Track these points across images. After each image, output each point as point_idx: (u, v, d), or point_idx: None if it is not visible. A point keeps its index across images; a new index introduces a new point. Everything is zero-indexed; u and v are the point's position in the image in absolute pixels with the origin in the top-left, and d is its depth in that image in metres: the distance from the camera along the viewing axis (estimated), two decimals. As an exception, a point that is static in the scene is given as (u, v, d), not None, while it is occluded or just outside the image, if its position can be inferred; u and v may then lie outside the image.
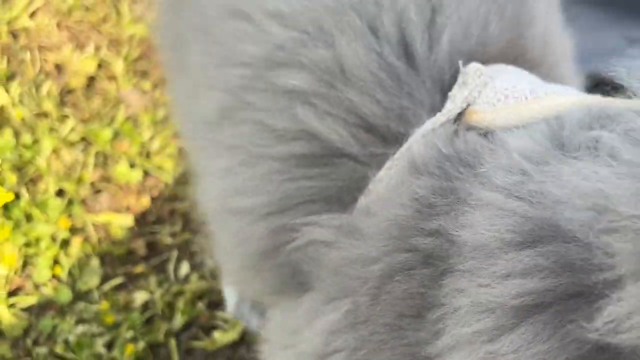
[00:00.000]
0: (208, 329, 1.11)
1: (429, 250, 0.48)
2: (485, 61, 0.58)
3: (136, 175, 1.24)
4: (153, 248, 1.18)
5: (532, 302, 0.41)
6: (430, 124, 0.54)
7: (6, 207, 1.16)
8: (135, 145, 1.27)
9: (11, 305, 1.08)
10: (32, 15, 1.47)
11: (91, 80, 1.38)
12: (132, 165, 1.26)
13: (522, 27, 0.62)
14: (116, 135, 1.29)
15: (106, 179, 1.25)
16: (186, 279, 1.15)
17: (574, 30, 1.24)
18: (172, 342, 1.08)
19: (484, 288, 0.43)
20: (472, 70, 0.55)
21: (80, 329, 1.07)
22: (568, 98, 0.52)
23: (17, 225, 1.15)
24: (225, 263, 0.77)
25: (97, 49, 1.41)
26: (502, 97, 0.54)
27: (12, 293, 1.10)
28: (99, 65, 1.39)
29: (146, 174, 1.25)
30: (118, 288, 1.12)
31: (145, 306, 1.10)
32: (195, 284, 1.14)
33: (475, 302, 0.43)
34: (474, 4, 0.59)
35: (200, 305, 1.12)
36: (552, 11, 0.69)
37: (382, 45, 0.58)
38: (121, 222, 1.19)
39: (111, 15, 1.47)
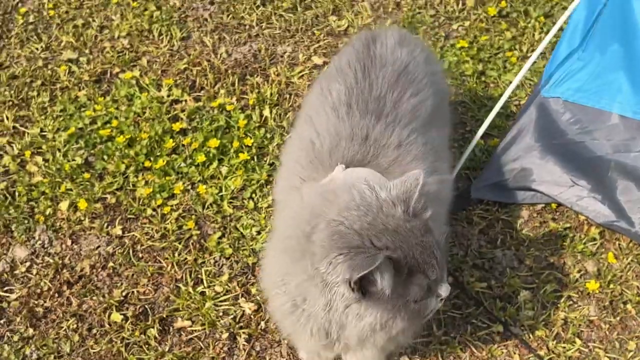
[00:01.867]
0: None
1: None
2: (352, 165, 1.66)
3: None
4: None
5: None
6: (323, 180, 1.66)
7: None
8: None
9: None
10: (300, 77, 2.83)
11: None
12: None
13: (377, 158, 1.68)
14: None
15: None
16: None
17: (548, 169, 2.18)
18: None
19: None
20: (339, 167, 1.65)
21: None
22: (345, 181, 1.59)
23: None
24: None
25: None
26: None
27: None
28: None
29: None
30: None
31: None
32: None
33: None
34: (354, 148, 1.67)
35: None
36: (405, 149, 1.71)
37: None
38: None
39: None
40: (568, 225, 2.28)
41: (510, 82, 2.74)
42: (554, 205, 2.33)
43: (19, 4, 3.19)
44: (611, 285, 2.14)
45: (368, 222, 1.39)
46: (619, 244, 2.23)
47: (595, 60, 2.14)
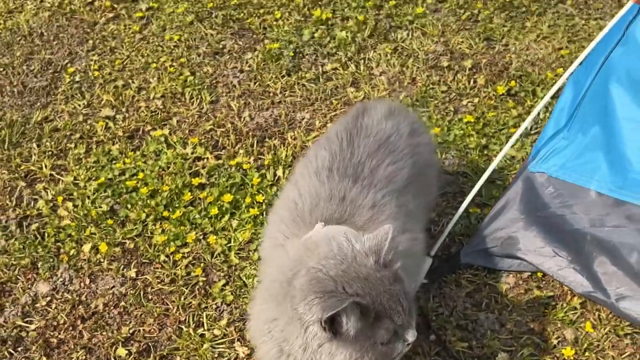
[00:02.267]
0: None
1: None
2: (331, 223, 1.84)
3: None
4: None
5: None
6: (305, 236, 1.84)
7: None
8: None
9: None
10: (314, 141, 3.04)
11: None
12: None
13: (353, 217, 1.87)
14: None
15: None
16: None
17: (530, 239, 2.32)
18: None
19: None
20: (319, 225, 1.84)
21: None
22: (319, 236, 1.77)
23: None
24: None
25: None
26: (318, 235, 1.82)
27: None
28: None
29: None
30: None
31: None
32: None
33: None
34: (332, 208, 1.86)
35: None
36: (379, 209, 1.90)
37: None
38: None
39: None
40: (552, 293, 2.40)
41: (513, 157, 2.91)
42: (539, 274, 2.45)
43: (69, 64, 3.52)
44: (587, 353, 2.23)
45: (343, 270, 1.57)
46: (599, 315, 2.33)
47: (578, 140, 2.30)
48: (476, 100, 3.20)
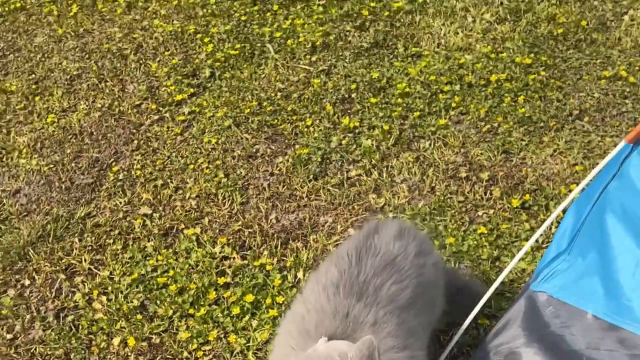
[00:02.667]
0: None
1: None
2: (334, 338, 2.01)
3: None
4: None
5: None
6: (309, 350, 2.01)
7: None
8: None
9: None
10: (335, 245, 3.22)
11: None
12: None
13: (355, 333, 2.03)
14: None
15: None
16: None
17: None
18: None
19: None
20: (322, 340, 2.00)
21: None
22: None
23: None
24: None
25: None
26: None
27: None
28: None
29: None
30: None
31: None
32: None
33: None
34: (335, 324, 2.03)
35: None
36: (381, 326, 2.05)
37: None
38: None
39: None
40: (552, 409, 2.49)
41: (523, 270, 3.05)
42: (542, 389, 2.55)
43: (114, 163, 3.82)
44: None
45: None
46: None
47: (578, 264, 2.44)
48: (491, 211, 3.36)
